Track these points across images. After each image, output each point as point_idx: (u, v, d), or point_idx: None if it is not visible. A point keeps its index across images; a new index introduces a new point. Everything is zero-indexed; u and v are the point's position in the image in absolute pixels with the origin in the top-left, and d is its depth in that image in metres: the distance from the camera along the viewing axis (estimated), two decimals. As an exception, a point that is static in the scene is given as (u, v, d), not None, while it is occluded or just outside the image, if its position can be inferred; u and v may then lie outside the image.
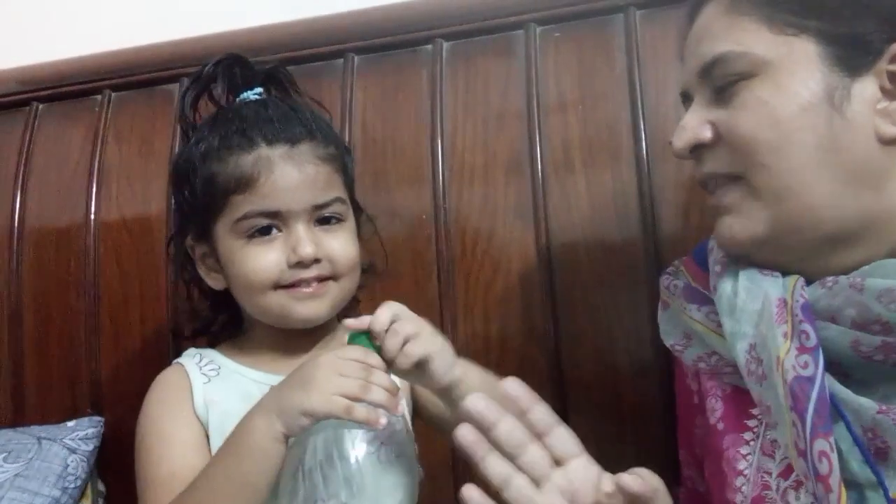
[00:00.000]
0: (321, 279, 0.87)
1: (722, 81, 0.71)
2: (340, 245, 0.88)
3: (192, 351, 0.94)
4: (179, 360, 0.93)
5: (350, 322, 0.80)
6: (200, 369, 0.90)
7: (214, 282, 0.92)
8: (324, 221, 0.88)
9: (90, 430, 1.15)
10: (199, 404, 0.86)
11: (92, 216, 1.28)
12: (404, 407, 0.87)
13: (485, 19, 1.19)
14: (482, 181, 1.15)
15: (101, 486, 1.17)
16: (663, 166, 1.08)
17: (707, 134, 0.72)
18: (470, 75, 1.19)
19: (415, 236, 1.15)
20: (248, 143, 0.86)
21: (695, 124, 0.73)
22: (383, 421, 0.73)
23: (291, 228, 0.86)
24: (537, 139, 1.13)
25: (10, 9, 1.47)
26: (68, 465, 1.09)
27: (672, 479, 0.93)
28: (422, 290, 1.14)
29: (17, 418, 1.25)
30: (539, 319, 1.10)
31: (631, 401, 1.06)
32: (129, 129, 1.31)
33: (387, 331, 0.78)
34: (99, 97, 1.34)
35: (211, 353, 0.93)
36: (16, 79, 1.38)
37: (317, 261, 0.86)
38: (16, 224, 1.31)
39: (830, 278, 0.67)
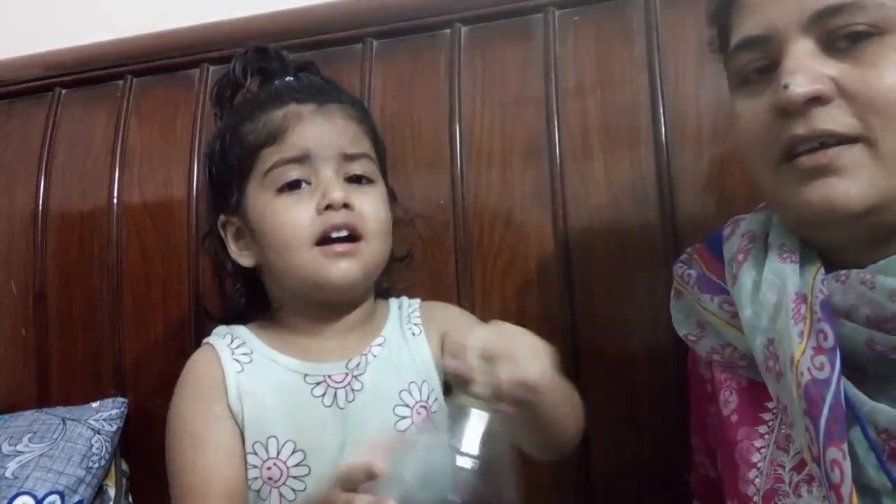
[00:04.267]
0: (352, 237, 0.86)
1: (842, 32, 0.64)
2: (371, 203, 0.88)
3: (222, 329, 0.93)
4: (210, 340, 0.91)
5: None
6: (233, 353, 0.89)
7: (246, 259, 0.92)
8: (354, 181, 0.89)
9: (114, 411, 1.17)
10: (232, 396, 0.85)
11: (115, 200, 1.30)
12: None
13: (503, 3, 1.18)
14: (500, 166, 1.14)
15: (124, 466, 1.18)
16: (682, 151, 1.07)
17: (830, 88, 0.64)
18: (488, 60, 1.18)
19: (433, 221, 1.16)
20: (279, 101, 0.90)
21: (812, 74, 0.64)
22: None
23: (321, 176, 0.86)
24: (555, 124, 1.13)
25: (33, -5, 1.48)
26: (92, 446, 1.10)
27: (684, 464, 0.94)
28: (439, 276, 1.14)
29: (41, 400, 1.27)
30: (556, 305, 1.10)
31: (647, 385, 1.06)
32: (152, 113, 1.32)
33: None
34: (121, 82, 1.35)
35: (242, 333, 0.92)
36: (39, 64, 1.39)
37: (346, 206, 0.86)
38: (39, 208, 1.33)
39: (844, 272, 0.65)
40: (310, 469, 0.83)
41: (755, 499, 0.70)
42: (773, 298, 0.68)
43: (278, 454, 0.83)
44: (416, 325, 0.94)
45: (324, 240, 0.86)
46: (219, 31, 1.29)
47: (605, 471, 1.06)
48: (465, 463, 0.65)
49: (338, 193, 0.85)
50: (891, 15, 0.63)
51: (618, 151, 1.10)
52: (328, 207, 0.85)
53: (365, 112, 0.96)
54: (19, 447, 1.08)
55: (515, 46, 1.17)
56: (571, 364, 1.07)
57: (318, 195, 0.86)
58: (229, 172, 0.91)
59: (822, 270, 0.68)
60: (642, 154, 1.09)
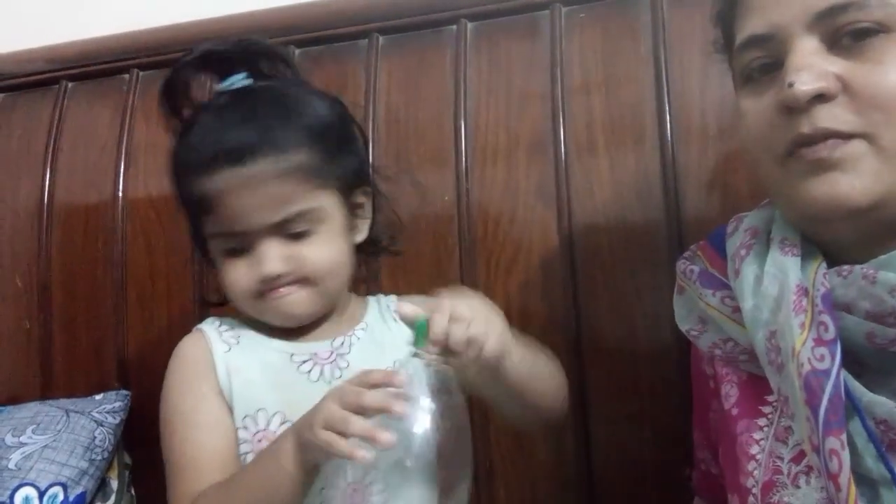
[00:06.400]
0: (296, 282, 0.86)
1: (846, 30, 0.64)
2: (313, 253, 0.86)
3: (212, 319, 0.94)
4: (200, 325, 0.92)
5: (407, 310, 0.82)
6: (221, 335, 0.90)
7: None
8: (293, 237, 0.85)
9: (117, 404, 1.17)
10: (221, 373, 0.86)
11: (120, 194, 1.30)
12: (428, 426, 0.72)
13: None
14: (505, 162, 1.15)
15: (127, 459, 1.19)
16: (687, 148, 1.08)
17: (834, 85, 0.64)
18: (494, 56, 1.18)
19: (437, 217, 1.16)
20: (204, 166, 0.83)
21: (818, 72, 0.64)
22: (363, 454, 0.68)
23: (256, 247, 0.84)
24: (560, 121, 1.13)
25: (39, -12, 1.48)
26: (95, 438, 1.11)
27: (687, 460, 0.94)
28: (443, 271, 1.14)
29: (45, 391, 1.27)
30: (560, 301, 1.10)
31: (650, 382, 1.06)
32: (157, 108, 1.32)
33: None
34: (127, 76, 1.35)
35: (231, 321, 0.93)
36: (44, 58, 1.39)
37: (284, 274, 0.85)
38: (44, 201, 1.33)
39: (846, 267, 0.65)
40: None
41: (754, 490, 0.71)
42: (775, 291, 0.68)
43: (268, 426, 0.84)
44: (395, 312, 0.94)
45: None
46: (225, 26, 1.28)
47: (607, 466, 1.07)
48: (421, 419, 0.71)
49: (268, 269, 0.83)
50: (894, 12, 0.63)
51: (623, 148, 1.11)
52: (264, 280, 0.85)
53: (304, 139, 0.85)
54: (23, 438, 1.08)
55: (521, 43, 1.18)
56: (574, 360, 1.08)
57: (255, 263, 0.85)
58: (184, 207, 0.90)
59: (824, 264, 0.68)
60: (647, 151, 1.09)
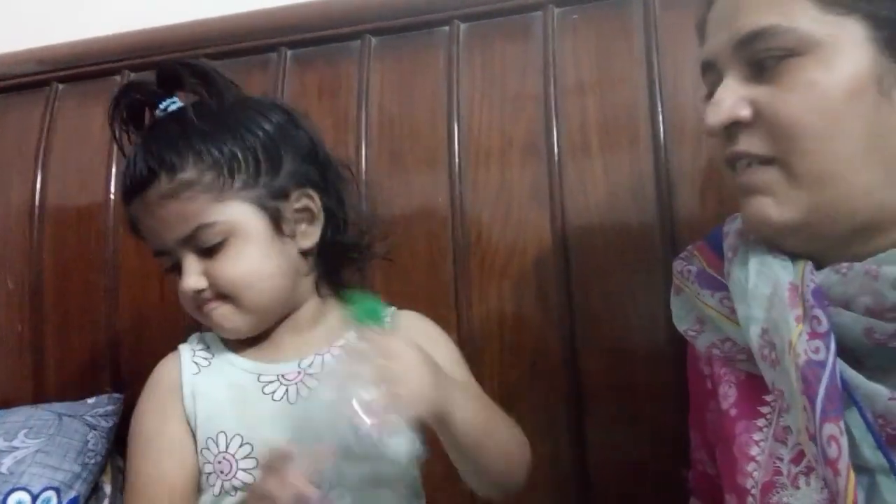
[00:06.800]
0: (217, 298, 0.87)
1: (762, 56, 0.67)
2: (224, 267, 0.85)
3: (195, 336, 0.95)
4: (180, 345, 0.94)
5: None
6: (194, 355, 0.91)
7: None
8: (205, 249, 0.86)
9: (109, 408, 1.17)
10: (187, 397, 0.87)
11: (111, 195, 1.30)
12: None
13: (503, 1, 1.18)
14: (498, 164, 1.15)
15: (120, 463, 1.18)
16: (681, 150, 1.08)
17: (746, 112, 0.68)
18: (487, 57, 1.18)
19: (430, 218, 1.16)
20: (125, 198, 0.89)
21: (732, 101, 0.68)
22: None
23: (180, 265, 0.87)
24: (554, 122, 1.13)
25: (29, -11, 1.48)
26: (88, 442, 1.10)
27: (683, 461, 0.94)
28: (437, 273, 1.14)
29: (37, 395, 1.27)
30: (554, 302, 1.10)
31: (645, 383, 1.06)
32: (148, 109, 1.32)
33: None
34: (118, 77, 1.34)
35: (210, 338, 0.93)
36: (36, 59, 1.39)
37: (207, 289, 0.86)
38: (36, 203, 1.33)
39: (845, 264, 0.66)
40: (258, 462, 0.83)
41: (753, 491, 0.71)
42: (767, 290, 0.69)
43: (227, 447, 0.84)
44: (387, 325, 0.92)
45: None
46: (215, 28, 1.28)
47: (603, 467, 1.07)
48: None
49: (187, 284, 0.85)
50: (804, 37, 0.65)
51: (616, 149, 1.11)
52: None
53: (200, 153, 0.85)
54: (15, 443, 1.08)
55: (515, 44, 1.18)
56: (569, 361, 1.08)
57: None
58: None
59: (812, 265, 0.69)
60: (641, 152, 1.09)
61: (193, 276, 0.85)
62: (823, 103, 0.65)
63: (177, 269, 0.87)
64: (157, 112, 0.90)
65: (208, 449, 0.85)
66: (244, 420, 0.86)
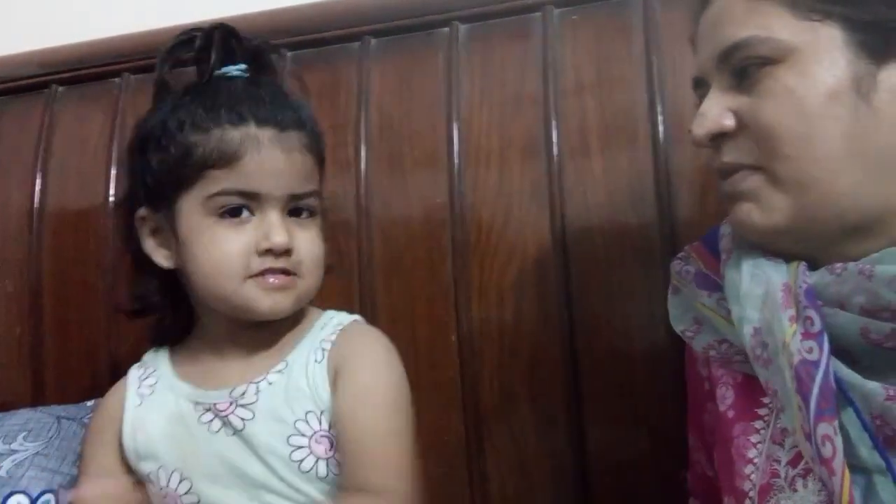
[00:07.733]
0: (287, 273, 0.83)
1: (743, 66, 0.69)
2: (309, 240, 0.85)
3: (148, 356, 0.94)
4: (131, 369, 0.93)
5: None
6: (140, 385, 0.90)
7: (164, 259, 0.87)
8: (295, 213, 0.85)
9: (109, 410, 1.16)
10: (126, 433, 0.87)
11: (111, 198, 1.29)
12: None
13: (502, 2, 1.18)
14: (498, 165, 1.14)
15: (119, 465, 1.18)
16: (680, 150, 1.08)
17: (729, 122, 0.70)
18: (486, 58, 1.18)
19: (430, 220, 1.15)
20: (238, 119, 0.82)
21: (716, 112, 0.71)
22: None
23: (266, 214, 0.82)
24: (553, 123, 1.13)
25: (29, -8, 1.48)
26: (87, 444, 1.10)
27: (682, 462, 0.94)
28: (436, 274, 1.14)
29: (36, 398, 1.26)
30: (554, 303, 1.09)
31: (644, 384, 1.05)
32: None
33: None
34: (118, 80, 1.34)
35: (160, 360, 0.92)
36: (35, 61, 1.39)
37: (286, 252, 0.82)
38: (35, 206, 1.32)
39: (839, 265, 0.66)
40: (199, 498, 0.82)
41: (751, 494, 0.71)
42: (760, 290, 0.69)
43: (168, 483, 0.83)
44: (323, 349, 0.86)
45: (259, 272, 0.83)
46: (216, 29, 1.28)
47: (602, 469, 1.06)
48: None
49: (281, 238, 0.81)
50: (781, 45, 0.67)
51: (616, 150, 1.10)
52: (268, 251, 0.82)
53: (316, 133, 0.89)
54: (13, 446, 1.07)
55: (514, 45, 1.17)
56: (568, 361, 1.08)
57: (259, 233, 0.82)
58: (165, 174, 0.84)
59: (805, 265, 0.69)
60: (640, 153, 1.09)
61: (285, 233, 0.82)
62: (801, 108, 0.66)
63: (236, 213, 0.82)
64: (222, 70, 0.88)
65: (153, 483, 0.85)
66: (181, 454, 0.84)
